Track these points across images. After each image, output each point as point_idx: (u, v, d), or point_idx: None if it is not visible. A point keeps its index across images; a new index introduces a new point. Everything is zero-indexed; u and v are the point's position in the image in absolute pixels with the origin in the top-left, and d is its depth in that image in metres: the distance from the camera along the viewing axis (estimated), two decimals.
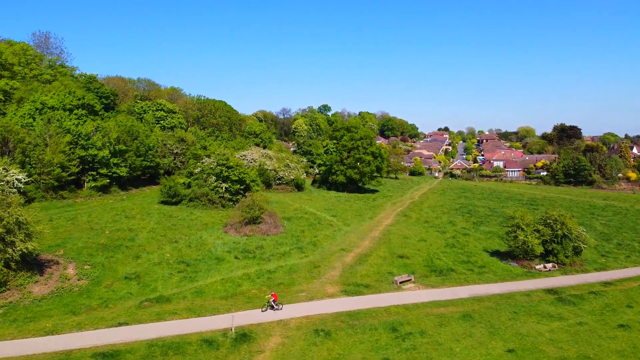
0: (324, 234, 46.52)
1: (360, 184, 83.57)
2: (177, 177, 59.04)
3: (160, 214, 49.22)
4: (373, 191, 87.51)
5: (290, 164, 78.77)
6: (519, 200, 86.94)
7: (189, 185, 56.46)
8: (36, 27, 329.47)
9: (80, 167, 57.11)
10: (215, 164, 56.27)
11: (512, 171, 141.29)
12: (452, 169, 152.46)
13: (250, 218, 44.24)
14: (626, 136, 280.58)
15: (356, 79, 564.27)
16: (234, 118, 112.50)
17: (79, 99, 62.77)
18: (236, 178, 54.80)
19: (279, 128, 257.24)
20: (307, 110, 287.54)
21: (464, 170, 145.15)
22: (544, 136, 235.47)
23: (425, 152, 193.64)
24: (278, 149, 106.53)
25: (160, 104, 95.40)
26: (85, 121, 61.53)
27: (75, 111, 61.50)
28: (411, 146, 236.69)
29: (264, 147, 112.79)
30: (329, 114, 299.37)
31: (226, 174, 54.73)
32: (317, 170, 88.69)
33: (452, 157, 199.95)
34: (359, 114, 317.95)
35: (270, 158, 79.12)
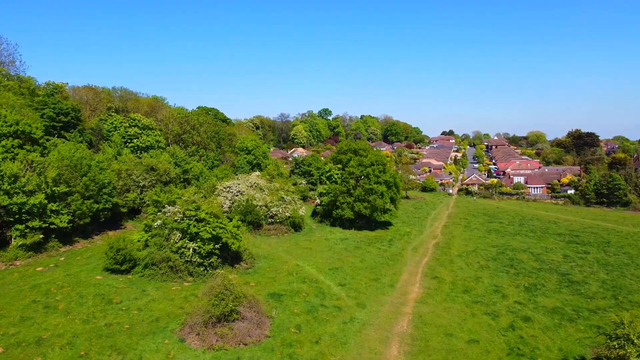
0: (330, 332, 32.18)
1: (370, 217, 69.06)
2: (129, 232, 44.78)
3: (96, 296, 34.80)
4: (385, 224, 72.99)
5: (285, 196, 64.32)
6: (558, 234, 72.77)
7: (146, 244, 42.07)
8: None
9: (4, 218, 42.88)
10: (181, 215, 41.88)
11: (534, 188, 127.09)
12: (467, 184, 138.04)
13: (220, 314, 29.97)
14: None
15: (357, 81, 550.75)
16: (223, 132, 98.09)
17: (10, 125, 48.29)
18: (209, 235, 40.37)
19: (277, 134, 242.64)
20: (307, 114, 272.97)
21: (481, 187, 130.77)
22: (558, 143, 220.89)
23: (434, 162, 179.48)
24: (274, 168, 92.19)
25: (133, 119, 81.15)
26: (16, 154, 47.23)
27: (4, 142, 46.95)
28: (417, 153, 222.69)
29: (257, 165, 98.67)
30: (330, 118, 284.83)
31: (195, 230, 40.35)
32: (318, 201, 74.21)
33: (463, 167, 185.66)
34: (361, 118, 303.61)
35: (261, 189, 64.68)
